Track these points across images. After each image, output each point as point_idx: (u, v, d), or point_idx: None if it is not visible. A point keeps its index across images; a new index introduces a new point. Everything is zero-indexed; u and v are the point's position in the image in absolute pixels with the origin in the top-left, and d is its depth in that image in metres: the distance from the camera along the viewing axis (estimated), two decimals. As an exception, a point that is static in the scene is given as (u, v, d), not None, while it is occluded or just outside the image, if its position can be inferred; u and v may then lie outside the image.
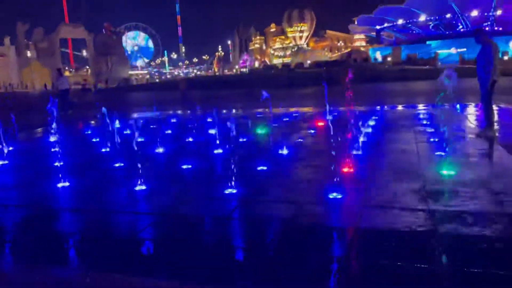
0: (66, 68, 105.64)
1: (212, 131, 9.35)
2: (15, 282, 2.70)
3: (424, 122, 9.52)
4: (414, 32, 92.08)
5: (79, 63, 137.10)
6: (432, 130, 8.18)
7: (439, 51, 75.49)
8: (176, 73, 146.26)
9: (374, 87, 29.07)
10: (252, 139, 8.32)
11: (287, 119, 11.72)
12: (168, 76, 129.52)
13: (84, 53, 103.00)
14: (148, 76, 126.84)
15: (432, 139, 7.18)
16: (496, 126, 7.48)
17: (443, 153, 5.93)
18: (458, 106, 12.11)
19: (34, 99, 38.32)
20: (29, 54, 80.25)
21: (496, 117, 7.47)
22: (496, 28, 79.31)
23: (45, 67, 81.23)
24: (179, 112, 16.20)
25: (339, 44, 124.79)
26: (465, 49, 71.59)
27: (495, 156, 6.09)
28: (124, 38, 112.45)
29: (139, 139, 7.33)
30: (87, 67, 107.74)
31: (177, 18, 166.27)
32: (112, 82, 78.39)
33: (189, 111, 15.68)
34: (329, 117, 8.32)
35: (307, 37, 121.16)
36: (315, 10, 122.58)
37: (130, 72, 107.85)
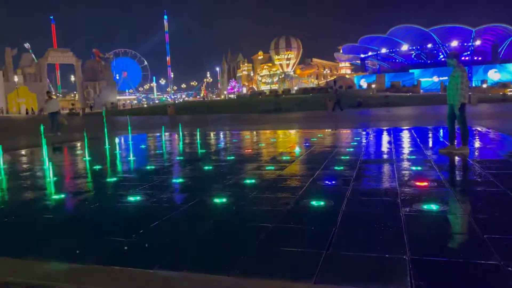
0: (53, 92, 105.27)
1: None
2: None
3: (405, 141, 9.94)
4: (397, 60, 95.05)
5: (66, 88, 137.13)
6: (412, 148, 8.58)
7: (421, 79, 77.98)
8: (164, 98, 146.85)
9: (358, 112, 29.81)
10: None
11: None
12: (156, 102, 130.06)
13: (72, 78, 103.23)
14: (135, 101, 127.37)
15: (411, 155, 7.53)
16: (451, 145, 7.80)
17: (419, 167, 6.29)
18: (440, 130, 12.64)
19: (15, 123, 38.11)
20: (16, 79, 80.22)
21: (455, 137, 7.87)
22: (475, 58, 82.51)
23: (32, 92, 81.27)
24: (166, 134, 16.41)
25: (325, 71, 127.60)
26: (446, 78, 73.96)
27: (459, 164, 6.49)
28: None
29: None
30: (75, 92, 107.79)
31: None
32: (99, 108, 78.56)
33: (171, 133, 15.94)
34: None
35: (293, 64, 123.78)
36: (301, 38, 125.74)
37: (118, 98, 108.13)
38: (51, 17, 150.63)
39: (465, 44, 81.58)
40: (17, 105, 79.43)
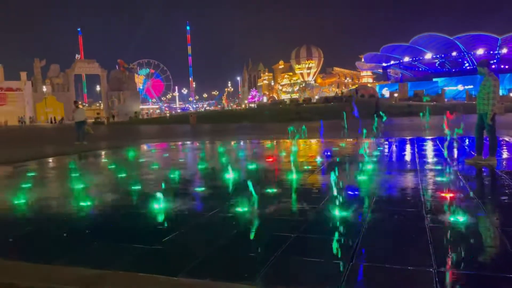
0: (80, 102, 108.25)
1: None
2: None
3: (429, 151, 9.77)
4: (420, 69, 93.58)
5: (92, 98, 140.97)
6: (437, 158, 8.43)
7: (446, 88, 76.50)
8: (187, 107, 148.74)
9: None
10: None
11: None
12: (178, 111, 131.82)
13: (98, 88, 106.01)
14: (158, 111, 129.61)
15: (436, 166, 7.39)
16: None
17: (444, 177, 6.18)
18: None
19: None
20: (44, 89, 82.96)
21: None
22: (502, 66, 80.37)
23: (60, 102, 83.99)
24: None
25: (346, 80, 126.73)
26: (472, 86, 72.49)
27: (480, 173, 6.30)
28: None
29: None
30: (100, 101, 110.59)
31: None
32: (122, 117, 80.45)
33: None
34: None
35: (314, 73, 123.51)
36: (323, 47, 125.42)
37: (141, 107, 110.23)
38: (79, 29, 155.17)
39: (491, 52, 79.64)
40: (45, 114, 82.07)
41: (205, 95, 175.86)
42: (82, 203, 5.45)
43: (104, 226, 4.42)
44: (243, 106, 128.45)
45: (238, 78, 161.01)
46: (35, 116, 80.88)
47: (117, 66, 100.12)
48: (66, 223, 4.59)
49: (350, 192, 5.45)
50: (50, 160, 11.80)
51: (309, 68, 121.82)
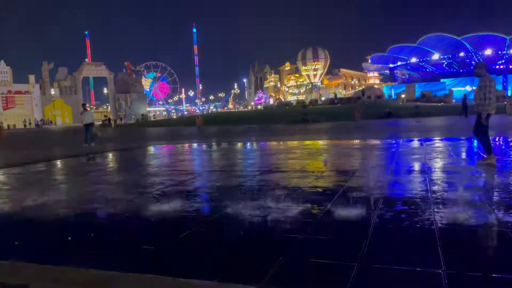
0: (88, 104, 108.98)
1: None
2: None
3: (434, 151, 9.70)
4: (427, 70, 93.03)
5: (99, 100, 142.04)
6: (444, 160, 8.38)
7: (453, 89, 75.97)
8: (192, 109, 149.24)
9: (387, 122, 29.28)
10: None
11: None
12: (185, 113, 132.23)
13: (105, 90, 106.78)
14: (165, 113, 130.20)
15: (443, 167, 7.35)
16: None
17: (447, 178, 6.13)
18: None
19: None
20: (52, 92, 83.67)
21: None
22: (510, 67, 79.59)
23: (68, 104, 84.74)
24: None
25: (353, 81, 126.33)
26: (479, 87, 71.78)
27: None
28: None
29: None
30: (107, 104, 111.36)
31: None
32: (129, 119, 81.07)
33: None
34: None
35: (321, 75, 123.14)
36: (329, 49, 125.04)
37: (148, 109, 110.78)
38: (86, 32, 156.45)
39: (499, 52, 78.95)
40: (53, 117, 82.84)
41: (211, 97, 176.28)
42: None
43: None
44: (249, 107, 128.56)
45: (245, 80, 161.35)
46: (44, 119, 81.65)
47: (124, 69, 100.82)
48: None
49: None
50: (68, 160, 11.90)
51: (315, 70, 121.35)
